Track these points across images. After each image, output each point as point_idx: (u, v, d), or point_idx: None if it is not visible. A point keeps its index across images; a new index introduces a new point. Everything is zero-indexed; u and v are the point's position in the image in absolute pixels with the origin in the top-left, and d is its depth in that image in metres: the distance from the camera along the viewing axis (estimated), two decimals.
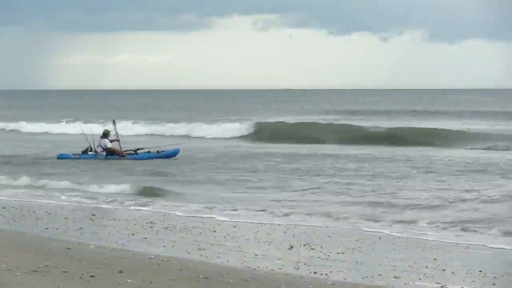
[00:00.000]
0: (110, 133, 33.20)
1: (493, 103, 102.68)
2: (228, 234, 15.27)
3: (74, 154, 32.52)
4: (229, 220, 17.36)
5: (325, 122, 53.86)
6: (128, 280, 9.74)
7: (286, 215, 18.08)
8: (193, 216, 17.83)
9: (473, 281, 11.44)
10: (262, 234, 15.46)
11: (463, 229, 16.33)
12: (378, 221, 17.32)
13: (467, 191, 21.77)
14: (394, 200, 20.16)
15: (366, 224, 16.90)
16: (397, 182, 23.98)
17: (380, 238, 15.23)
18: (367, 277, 11.45)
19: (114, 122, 34.32)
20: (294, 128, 48.17)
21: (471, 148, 37.39)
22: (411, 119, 63.59)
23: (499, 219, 17.34)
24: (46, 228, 15.67)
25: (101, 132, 33.81)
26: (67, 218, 17.15)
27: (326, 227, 16.62)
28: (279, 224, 16.86)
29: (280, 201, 20.17)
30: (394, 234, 15.81)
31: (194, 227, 16.16)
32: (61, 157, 32.21)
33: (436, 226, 16.70)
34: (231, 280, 10.33)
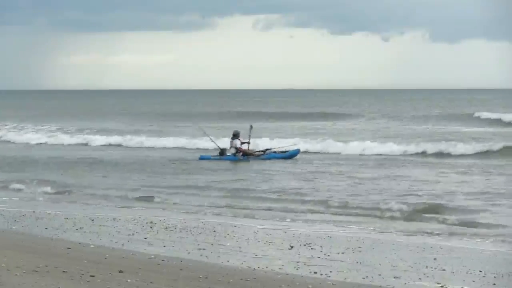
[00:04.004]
0: (240, 133, 34.19)
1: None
2: (228, 234, 15.27)
3: (213, 156, 33.51)
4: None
5: None
6: (128, 280, 9.73)
7: None
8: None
9: (473, 281, 11.43)
10: (262, 234, 15.46)
11: (463, 229, 16.38)
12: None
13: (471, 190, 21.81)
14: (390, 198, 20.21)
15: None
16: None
17: (379, 238, 15.24)
18: (367, 277, 11.44)
19: (251, 127, 34.74)
20: None
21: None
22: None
23: (500, 219, 17.38)
24: (46, 228, 15.66)
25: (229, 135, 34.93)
26: (67, 218, 17.15)
27: (328, 229, 16.64)
28: (279, 225, 16.89)
29: None
30: (394, 234, 15.84)
31: (194, 227, 16.16)
32: (202, 158, 33.34)
33: (437, 227, 16.75)
34: (231, 280, 10.32)
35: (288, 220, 17.75)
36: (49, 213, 17.87)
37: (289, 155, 33.33)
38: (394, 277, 11.50)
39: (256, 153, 33.53)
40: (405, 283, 11.17)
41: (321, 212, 18.92)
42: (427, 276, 11.62)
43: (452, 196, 20.80)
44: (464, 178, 24.96)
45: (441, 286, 10.98)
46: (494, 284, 11.28)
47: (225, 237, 14.97)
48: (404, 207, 18.72)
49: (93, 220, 16.94)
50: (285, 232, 15.75)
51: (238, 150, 33.38)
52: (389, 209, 18.64)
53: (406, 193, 21.33)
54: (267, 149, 33.95)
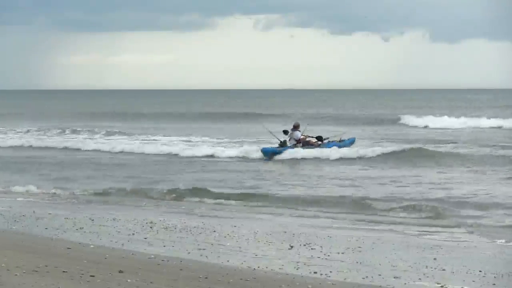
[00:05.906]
0: (300, 125, 34.42)
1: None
2: (228, 234, 15.27)
3: (277, 148, 33.73)
4: None
5: None
6: (128, 280, 9.73)
7: None
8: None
9: (473, 281, 11.43)
10: (262, 234, 15.46)
11: (464, 229, 16.41)
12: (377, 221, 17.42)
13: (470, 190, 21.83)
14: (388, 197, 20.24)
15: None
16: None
17: (379, 238, 15.25)
18: (367, 277, 11.44)
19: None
20: None
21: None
22: None
23: (499, 218, 17.40)
24: (46, 228, 15.66)
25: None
26: (67, 218, 17.15)
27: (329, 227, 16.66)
28: (279, 224, 16.90)
29: None
30: (394, 234, 15.86)
31: (194, 227, 16.16)
32: (264, 150, 33.69)
33: (437, 226, 16.78)
34: (231, 280, 10.32)
35: (289, 220, 17.79)
36: (49, 213, 17.87)
37: (345, 144, 33.71)
38: (394, 277, 11.50)
39: (315, 143, 33.69)
40: (405, 283, 11.17)
41: (315, 216, 18.97)
42: (427, 276, 11.62)
43: (445, 196, 20.83)
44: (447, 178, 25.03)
45: (441, 286, 10.98)
46: (494, 284, 11.28)
47: (225, 237, 14.98)
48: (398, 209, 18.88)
49: (93, 220, 16.94)
50: (285, 232, 15.75)
51: (298, 141, 33.48)
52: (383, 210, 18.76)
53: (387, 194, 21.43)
54: (326, 138, 34.16)
